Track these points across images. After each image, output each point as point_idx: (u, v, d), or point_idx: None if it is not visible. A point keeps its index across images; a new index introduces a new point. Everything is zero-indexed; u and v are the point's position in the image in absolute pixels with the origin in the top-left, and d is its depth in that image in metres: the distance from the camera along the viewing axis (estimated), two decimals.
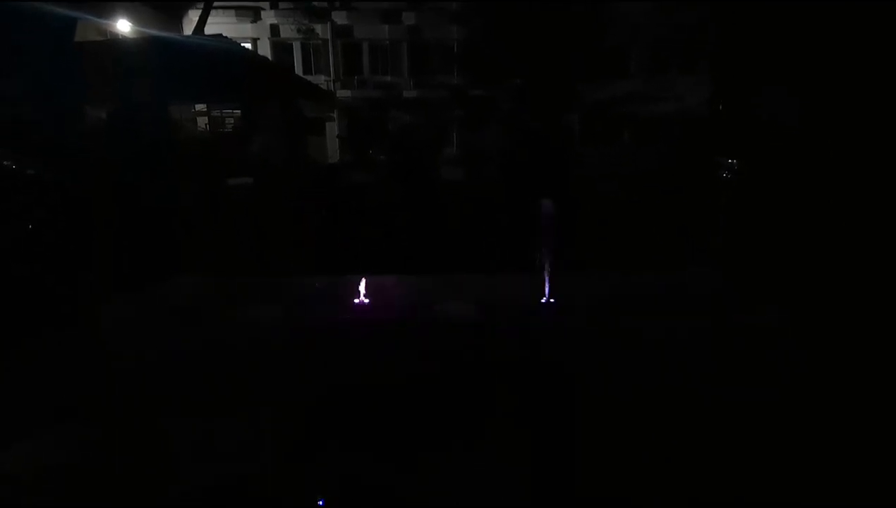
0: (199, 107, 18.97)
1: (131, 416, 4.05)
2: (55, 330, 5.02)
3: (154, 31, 14.12)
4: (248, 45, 24.47)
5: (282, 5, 25.81)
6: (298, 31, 26.10)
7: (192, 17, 21.08)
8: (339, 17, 25.99)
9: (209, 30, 17.15)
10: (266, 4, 25.68)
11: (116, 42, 11.95)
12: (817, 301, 5.93)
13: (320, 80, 25.44)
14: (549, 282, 6.03)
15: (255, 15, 25.81)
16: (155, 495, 3.22)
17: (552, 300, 5.95)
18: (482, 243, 8.57)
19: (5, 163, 7.19)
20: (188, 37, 16.72)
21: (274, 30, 26.19)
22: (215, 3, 18.56)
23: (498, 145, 16.41)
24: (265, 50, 25.84)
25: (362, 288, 6.13)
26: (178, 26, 22.75)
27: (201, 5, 17.31)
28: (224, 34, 15.88)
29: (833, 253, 7.28)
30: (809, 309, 5.58)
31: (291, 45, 26.59)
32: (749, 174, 8.86)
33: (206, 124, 19.50)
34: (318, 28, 26.12)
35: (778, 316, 5.55)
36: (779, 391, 4.39)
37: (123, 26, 12.71)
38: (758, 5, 11.87)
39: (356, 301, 5.99)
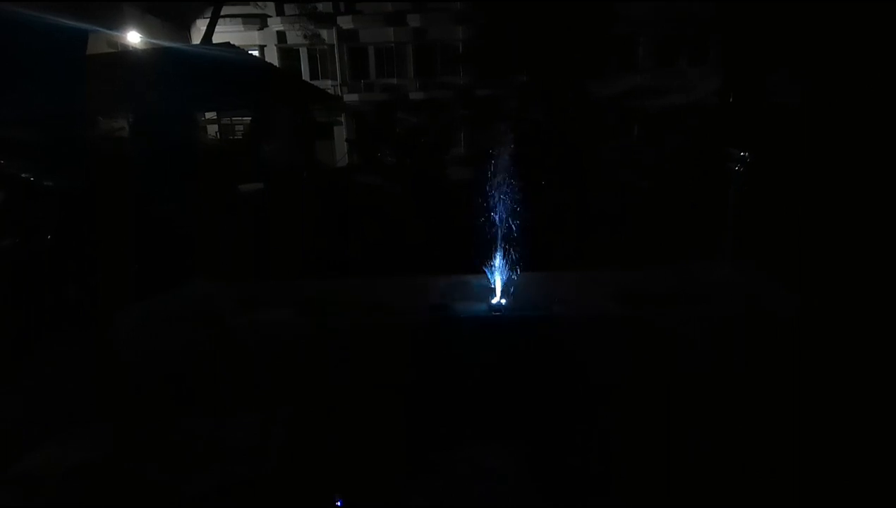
0: (209, 114, 19.21)
1: (155, 419, 4.11)
2: (71, 335, 5.11)
3: (163, 42, 14.36)
4: (255, 53, 24.73)
5: (288, 12, 26.05)
6: (304, 36, 26.30)
7: (200, 26, 21.38)
8: (345, 22, 26.13)
9: (217, 38, 17.37)
10: (272, 11, 25.93)
11: (127, 53, 12.17)
12: (830, 293, 5.82)
13: (327, 84, 25.60)
14: None
15: (262, 22, 26.07)
16: (175, 495, 3.26)
17: None
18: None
19: (23, 175, 7.35)
20: (197, 46, 16.96)
21: (280, 36, 26.43)
22: (223, 12, 18.81)
23: (506, 144, 16.35)
24: (272, 56, 26.07)
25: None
26: (187, 36, 23.07)
27: (209, 15, 17.54)
28: (232, 42, 16.09)
29: (847, 244, 7.14)
30: (822, 301, 5.48)
31: (298, 51, 26.81)
32: (761, 165, 8.73)
33: (216, 131, 19.75)
34: (324, 33, 26.29)
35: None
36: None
37: (133, 38, 12.95)
38: None
39: None
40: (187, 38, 22.80)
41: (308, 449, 3.76)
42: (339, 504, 3.29)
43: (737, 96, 13.45)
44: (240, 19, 25.44)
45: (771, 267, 6.61)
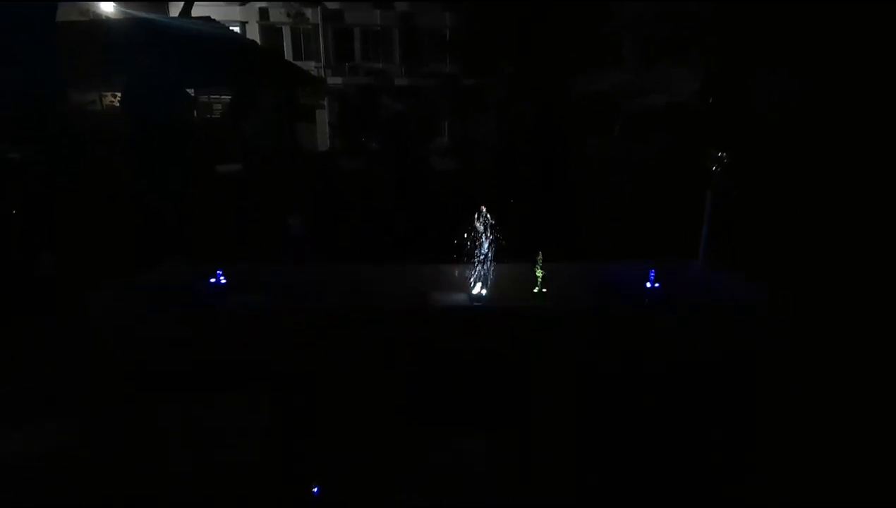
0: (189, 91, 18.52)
1: (130, 402, 4.03)
2: (44, 315, 4.95)
3: (139, 13, 13.77)
4: (236, 29, 23.92)
5: None
6: (288, 14, 25.54)
7: None
8: (330, 2, 25.48)
9: (196, 12, 16.71)
10: None
11: (99, 23, 11.64)
12: (801, 284, 6.03)
13: (310, 66, 24.98)
14: None
15: None
16: (152, 480, 3.22)
17: None
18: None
19: None
20: (175, 19, 16.32)
21: (263, 13, 25.59)
22: None
23: (489, 134, 16.34)
24: (254, 34, 25.25)
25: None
26: (165, 8, 22.15)
27: None
28: (212, 17, 15.54)
29: (821, 241, 7.41)
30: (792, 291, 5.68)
31: (281, 29, 26.02)
32: (739, 166, 8.96)
33: (193, 109, 19.11)
34: (308, 12, 25.58)
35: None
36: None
37: (107, 7, 12.37)
38: None
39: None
40: (165, 11, 21.89)
41: (285, 434, 3.75)
42: (315, 491, 3.30)
43: (720, 97, 13.68)
44: None
45: (747, 264, 6.82)
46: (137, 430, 3.63)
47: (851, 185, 8.40)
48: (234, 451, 3.52)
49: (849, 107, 9.39)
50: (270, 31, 25.90)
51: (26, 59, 7.34)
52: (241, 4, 25.26)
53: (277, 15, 25.60)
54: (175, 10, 21.13)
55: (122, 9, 12.58)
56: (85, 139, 8.20)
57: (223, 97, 17.59)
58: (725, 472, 3.46)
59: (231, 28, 20.66)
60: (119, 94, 11.30)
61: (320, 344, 5.05)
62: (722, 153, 9.38)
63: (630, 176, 12.15)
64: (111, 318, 4.95)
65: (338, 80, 25.60)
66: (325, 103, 25.50)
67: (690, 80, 16.89)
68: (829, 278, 6.47)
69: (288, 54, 25.35)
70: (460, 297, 6.13)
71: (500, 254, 7.57)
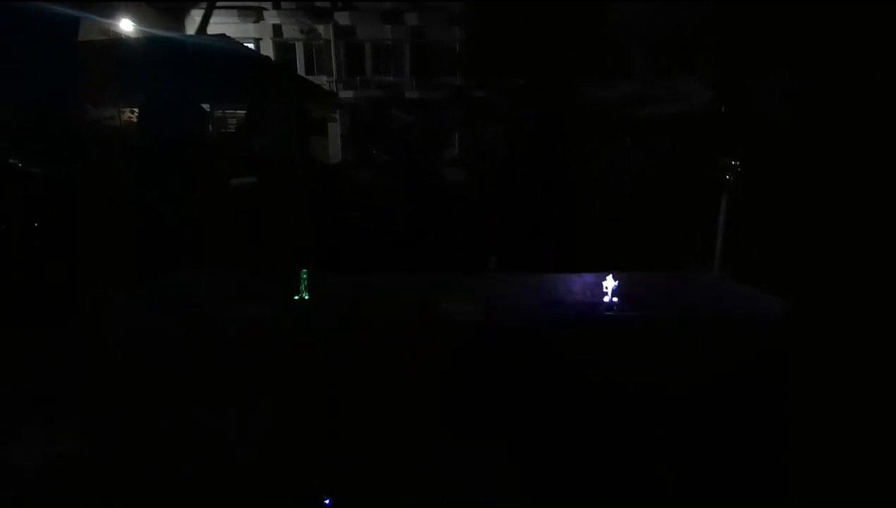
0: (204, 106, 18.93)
1: (138, 408, 4.06)
2: (58, 323, 5.04)
3: (157, 31, 14.18)
4: (250, 46, 24.50)
5: (284, 5, 25.82)
6: (301, 31, 26.15)
7: (195, 16, 21.15)
8: (342, 18, 26.01)
9: (212, 30, 17.17)
10: (269, 4, 25.67)
11: (120, 41, 12.00)
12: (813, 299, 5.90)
13: (323, 80, 25.46)
14: None
15: (258, 15, 25.84)
16: (158, 487, 3.23)
17: None
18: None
19: (11, 160, 7.23)
20: (191, 37, 16.77)
21: (276, 30, 26.23)
22: (218, 3, 18.60)
23: (499, 145, 16.43)
24: (268, 50, 25.86)
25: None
26: (181, 26, 22.81)
27: (204, 5, 17.33)
28: (227, 34, 15.93)
29: (832, 251, 7.26)
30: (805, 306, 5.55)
31: (294, 45, 26.62)
32: (751, 174, 8.85)
33: (209, 124, 19.51)
34: (321, 28, 26.14)
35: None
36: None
37: (126, 26, 12.76)
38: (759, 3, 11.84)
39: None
40: (181, 29, 22.53)
41: (294, 442, 3.74)
42: (327, 502, 3.27)
43: (729, 105, 13.60)
44: (235, 11, 25.19)
45: (759, 275, 6.70)
46: (139, 438, 3.64)
47: (865, 190, 8.23)
48: (238, 458, 3.51)
49: (857, 110, 9.25)
50: (284, 47, 26.50)
51: (48, 76, 7.59)
52: (255, 22, 25.92)
53: (291, 31, 26.22)
54: (191, 28, 21.75)
55: (141, 27, 12.97)
56: (103, 153, 8.42)
57: (238, 112, 17.94)
58: (727, 475, 3.38)
59: (246, 44, 21.16)
60: (137, 110, 11.61)
61: (325, 349, 5.06)
62: (735, 161, 9.25)
63: (641, 184, 12.07)
64: (120, 325, 5.03)
65: (349, 94, 26.03)
66: (338, 116, 25.92)
67: (702, 87, 16.81)
68: (845, 287, 6.32)
69: (301, 69, 25.89)
70: (467, 305, 6.10)
71: (512, 263, 7.54)
